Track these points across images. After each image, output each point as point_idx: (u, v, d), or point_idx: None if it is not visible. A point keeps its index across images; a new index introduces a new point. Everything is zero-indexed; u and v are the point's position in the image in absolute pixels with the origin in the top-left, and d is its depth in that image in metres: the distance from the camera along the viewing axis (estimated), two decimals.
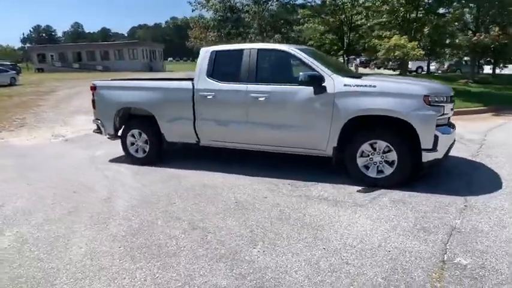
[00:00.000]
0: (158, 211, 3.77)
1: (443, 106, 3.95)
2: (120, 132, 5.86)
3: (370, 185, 4.19)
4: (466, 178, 4.45)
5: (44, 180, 4.96)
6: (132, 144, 5.69)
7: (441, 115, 3.93)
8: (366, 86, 4.10)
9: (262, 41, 13.20)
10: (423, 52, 10.25)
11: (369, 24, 13.03)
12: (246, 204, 3.88)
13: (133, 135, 5.65)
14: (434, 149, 3.92)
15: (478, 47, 12.39)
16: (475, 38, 11.74)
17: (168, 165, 5.41)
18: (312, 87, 4.28)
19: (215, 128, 4.97)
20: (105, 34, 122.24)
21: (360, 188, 4.19)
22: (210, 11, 13.94)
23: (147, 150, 5.57)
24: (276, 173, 4.77)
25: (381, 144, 4.10)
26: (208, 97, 4.87)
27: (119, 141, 6.06)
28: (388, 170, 4.13)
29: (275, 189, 4.30)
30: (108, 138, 6.06)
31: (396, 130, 4.06)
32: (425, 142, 3.89)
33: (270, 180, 4.57)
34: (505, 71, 18.12)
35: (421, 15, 11.75)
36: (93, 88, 5.78)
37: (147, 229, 3.36)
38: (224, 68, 4.98)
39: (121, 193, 4.38)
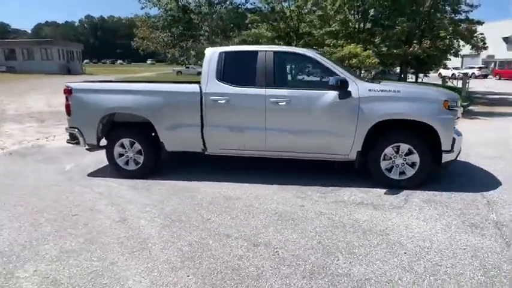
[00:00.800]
0: (198, 229, 3.37)
1: (457, 110, 4.29)
2: (102, 142, 5.14)
3: (393, 186, 4.33)
4: (466, 176, 4.86)
5: (20, 204, 4.09)
6: (121, 155, 5.02)
7: (456, 119, 4.26)
8: (390, 91, 4.25)
9: (220, 44, 12.92)
10: (378, 60, 11.15)
11: (321, 32, 13.69)
12: (289, 214, 3.69)
13: (122, 145, 4.99)
14: (451, 150, 4.23)
15: (410, 57, 13.98)
16: (410, 49, 13.24)
17: (164, 177, 4.90)
18: (336, 92, 4.27)
19: (228, 135, 4.66)
20: (3, 30, 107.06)
21: (383, 190, 4.30)
22: (161, 9, 13.13)
23: (140, 161, 4.97)
24: (292, 180, 4.66)
25: (404, 147, 4.28)
26: (221, 102, 4.54)
27: (87, 153, 5.49)
28: (410, 172, 4.32)
29: (304, 196, 4.19)
30: (87, 149, 5.26)
31: (417, 133, 4.27)
32: (445, 144, 4.18)
33: (292, 188, 4.43)
34: (425, 80, 20.74)
35: (369, 26, 12.82)
36: (68, 91, 4.97)
37: (202, 251, 2.97)
38: (237, 70, 4.70)
39: (135, 212, 3.82)
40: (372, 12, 13.00)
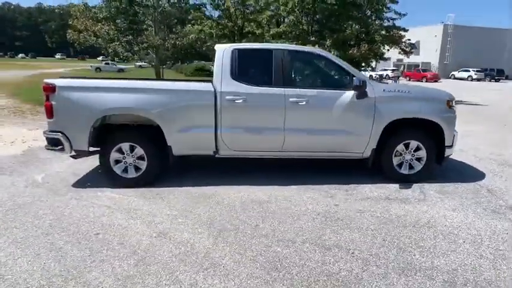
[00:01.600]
0: (256, 237, 3.17)
1: (455, 109, 4.76)
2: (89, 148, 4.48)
3: (403, 181, 4.63)
4: (450, 169, 5.35)
5: (13, 225, 3.37)
6: (118, 162, 4.45)
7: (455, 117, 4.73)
8: (402, 91, 4.53)
9: (175, 39, 12.23)
10: None
11: (271, 33, 13.89)
12: (331, 214, 3.69)
13: (120, 151, 4.43)
14: (452, 145, 4.68)
15: (350, 59, 15.11)
16: (351, 51, 14.29)
17: (168, 184, 4.48)
18: (353, 92, 4.40)
19: (244, 136, 4.45)
20: None
21: (395, 184, 4.56)
22: None
23: (143, 167, 4.46)
24: (304, 180, 4.64)
25: (413, 144, 4.60)
26: (237, 101, 4.33)
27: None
28: (418, 167, 4.66)
29: (331, 195, 4.22)
30: (72, 156, 4.56)
31: (424, 130, 4.62)
32: (448, 140, 4.61)
33: (311, 188, 4.43)
34: None
35: (316, 28, 13.44)
36: (50, 89, 4.24)
37: (280, 260, 2.80)
38: (252, 69, 4.54)
39: (168, 224, 3.42)
40: (319, 15, 13.70)
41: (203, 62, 32.75)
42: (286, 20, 14.26)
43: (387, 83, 5.04)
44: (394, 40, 16.02)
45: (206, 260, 2.79)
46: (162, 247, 2.99)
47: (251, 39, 16.41)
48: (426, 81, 34.74)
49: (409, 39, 17.61)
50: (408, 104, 4.51)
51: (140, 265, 2.72)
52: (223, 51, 4.48)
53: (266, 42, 15.07)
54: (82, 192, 4.27)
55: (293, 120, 4.41)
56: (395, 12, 16.13)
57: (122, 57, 12.85)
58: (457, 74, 39.89)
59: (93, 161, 5.04)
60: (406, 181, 4.62)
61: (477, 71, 38.54)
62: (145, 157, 4.43)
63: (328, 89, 4.52)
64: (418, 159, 4.66)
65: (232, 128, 4.41)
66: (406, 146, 4.61)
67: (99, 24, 11.62)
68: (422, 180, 4.65)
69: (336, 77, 4.59)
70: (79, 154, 4.52)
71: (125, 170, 4.48)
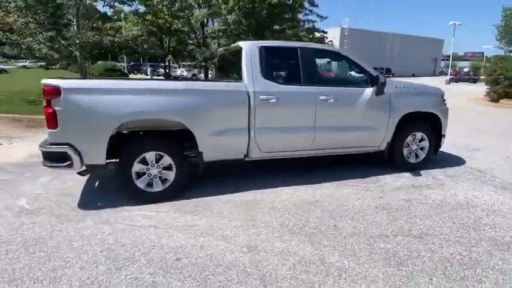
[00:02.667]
0: (349, 237, 3.12)
1: (446, 102, 5.40)
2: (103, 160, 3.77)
3: (410, 169, 5.07)
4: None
5: (58, 264, 2.66)
6: (139, 175, 3.86)
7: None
8: (409, 87, 4.96)
9: (113, 36, 10.76)
10: None
11: (209, 31, 13.45)
12: (386, 206, 3.84)
13: (144, 161, 3.84)
14: (445, 136, 5.31)
15: None
16: None
17: (192, 196, 4.05)
18: (371, 89, 4.64)
19: (277, 136, 4.30)
20: None
21: (406, 173, 4.97)
22: None
23: (170, 178, 3.95)
24: (330, 176, 4.73)
25: (419, 135, 5.08)
26: (271, 101, 4.17)
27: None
28: (422, 155, 5.17)
29: (367, 189, 4.38)
30: (80, 173, 3.80)
31: (426, 122, 5.14)
32: (444, 130, 5.22)
33: (342, 183, 4.53)
34: None
35: (255, 28, 13.58)
36: (52, 92, 3.44)
37: (397, 253, 2.82)
38: (280, 67, 4.42)
39: (246, 236, 3.13)
40: (258, 15, 13.85)
41: (102, 61, 29.70)
42: (217, 19, 14.07)
43: (394, 80, 5.42)
44: (321, 41, 17.30)
45: (329, 267, 2.64)
46: (269, 262, 2.72)
47: (180, 36, 15.79)
48: None
49: (331, 41, 19.24)
50: (416, 99, 4.97)
51: (270, 286, 2.42)
52: (250, 48, 4.24)
53: (199, 40, 14.69)
54: (102, 215, 3.58)
55: (323, 118, 4.43)
56: (318, 15, 17.40)
57: (39, 55, 10.89)
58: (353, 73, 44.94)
59: (70, 176, 4.38)
60: (413, 169, 5.07)
61: None
62: (174, 167, 3.93)
63: (352, 87, 4.68)
64: (422, 149, 5.17)
65: (265, 129, 4.22)
66: (413, 137, 5.06)
67: (13, 15, 9.60)
68: (425, 167, 5.16)
69: (356, 75, 4.77)
70: (89, 170, 3.78)
71: (149, 184, 3.90)
